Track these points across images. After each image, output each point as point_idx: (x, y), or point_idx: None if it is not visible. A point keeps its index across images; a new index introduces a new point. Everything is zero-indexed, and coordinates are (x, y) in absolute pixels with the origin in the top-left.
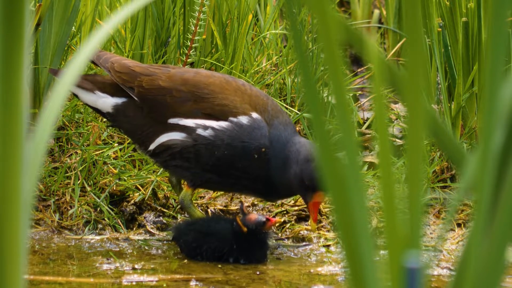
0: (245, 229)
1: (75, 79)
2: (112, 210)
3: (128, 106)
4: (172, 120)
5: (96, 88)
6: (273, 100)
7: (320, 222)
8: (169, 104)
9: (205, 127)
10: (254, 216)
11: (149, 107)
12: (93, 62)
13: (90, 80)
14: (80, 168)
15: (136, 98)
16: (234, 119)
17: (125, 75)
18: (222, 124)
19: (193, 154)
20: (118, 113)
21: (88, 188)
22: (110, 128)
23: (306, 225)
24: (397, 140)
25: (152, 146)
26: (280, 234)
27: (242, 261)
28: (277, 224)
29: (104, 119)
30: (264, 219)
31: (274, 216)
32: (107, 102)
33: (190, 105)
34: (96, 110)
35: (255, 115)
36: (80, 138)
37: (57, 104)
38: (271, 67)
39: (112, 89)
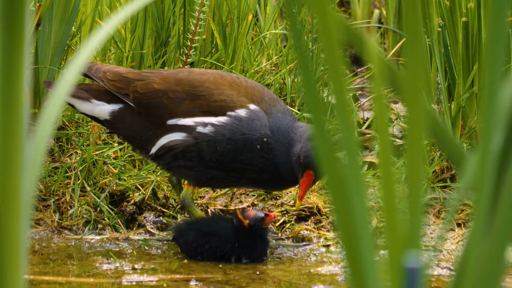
0: (246, 221)
1: (71, 85)
2: (112, 210)
3: (126, 111)
4: (171, 121)
5: (92, 97)
6: (269, 90)
7: (320, 222)
8: (166, 106)
9: (205, 124)
10: (253, 212)
11: (146, 111)
12: (84, 74)
13: (85, 89)
14: (80, 168)
15: (132, 104)
16: (233, 113)
17: (118, 82)
18: (221, 119)
19: (195, 152)
20: (116, 119)
21: (88, 188)
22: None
23: (306, 225)
24: (397, 140)
25: (153, 150)
26: (280, 234)
27: (244, 260)
28: (276, 220)
29: (103, 127)
30: (263, 215)
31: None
32: (104, 109)
33: (187, 104)
34: (94, 119)
35: (252, 106)
36: (80, 138)
37: (58, 104)
38: (271, 67)
39: (108, 96)
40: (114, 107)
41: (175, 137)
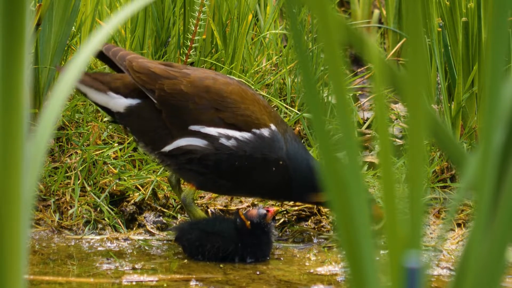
0: (248, 223)
1: (80, 76)
2: (112, 210)
3: (143, 107)
4: (194, 127)
5: (108, 89)
6: (275, 110)
7: (320, 222)
8: (191, 111)
9: (228, 137)
10: (255, 210)
11: (169, 111)
12: (105, 57)
13: (101, 80)
14: (80, 168)
15: (156, 101)
16: (257, 131)
17: (145, 76)
18: (245, 135)
19: (213, 162)
20: (131, 114)
21: (88, 188)
22: (111, 127)
23: (306, 225)
24: (397, 140)
25: (167, 148)
26: (280, 234)
27: (248, 259)
28: (276, 213)
29: (106, 118)
30: (265, 211)
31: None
32: (119, 103)
33: (212, 113)
34: (103, 109)
35: (273, 127)
36: (80, 138)
37: (58, 104)
38: (271, 67)
39: (126, 90)
40: (132, 101)
41: (195, 142)
